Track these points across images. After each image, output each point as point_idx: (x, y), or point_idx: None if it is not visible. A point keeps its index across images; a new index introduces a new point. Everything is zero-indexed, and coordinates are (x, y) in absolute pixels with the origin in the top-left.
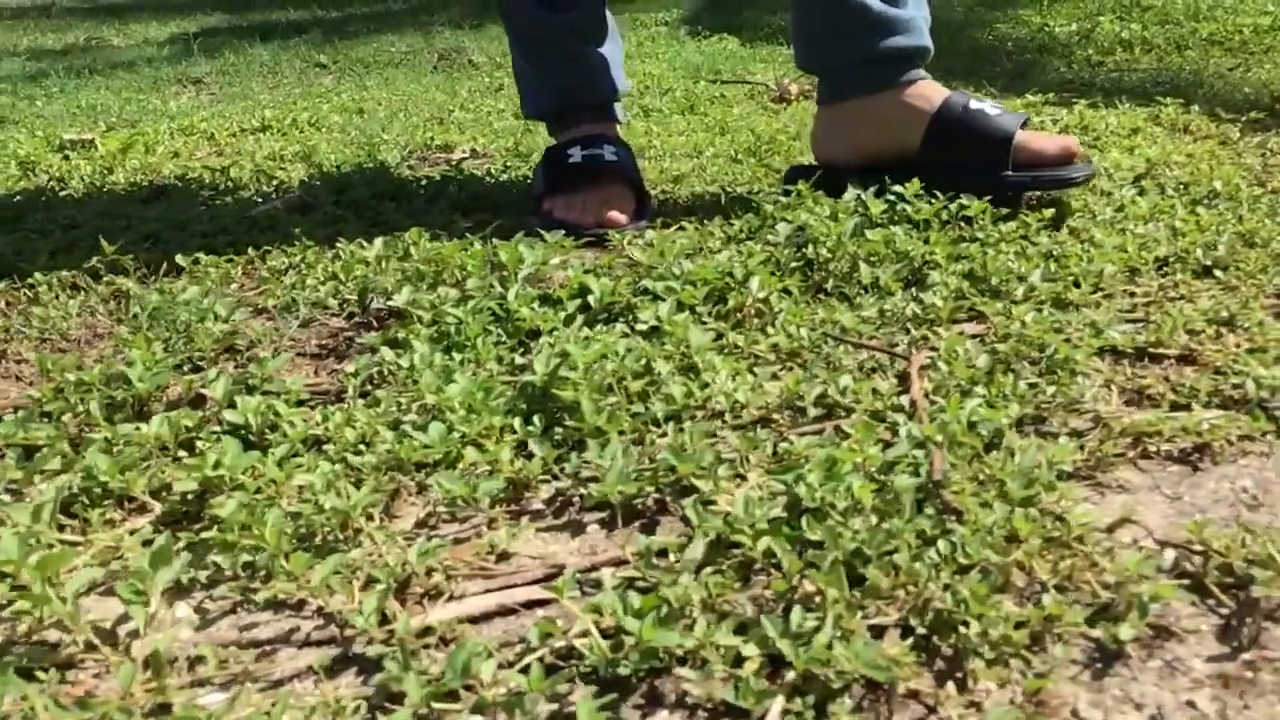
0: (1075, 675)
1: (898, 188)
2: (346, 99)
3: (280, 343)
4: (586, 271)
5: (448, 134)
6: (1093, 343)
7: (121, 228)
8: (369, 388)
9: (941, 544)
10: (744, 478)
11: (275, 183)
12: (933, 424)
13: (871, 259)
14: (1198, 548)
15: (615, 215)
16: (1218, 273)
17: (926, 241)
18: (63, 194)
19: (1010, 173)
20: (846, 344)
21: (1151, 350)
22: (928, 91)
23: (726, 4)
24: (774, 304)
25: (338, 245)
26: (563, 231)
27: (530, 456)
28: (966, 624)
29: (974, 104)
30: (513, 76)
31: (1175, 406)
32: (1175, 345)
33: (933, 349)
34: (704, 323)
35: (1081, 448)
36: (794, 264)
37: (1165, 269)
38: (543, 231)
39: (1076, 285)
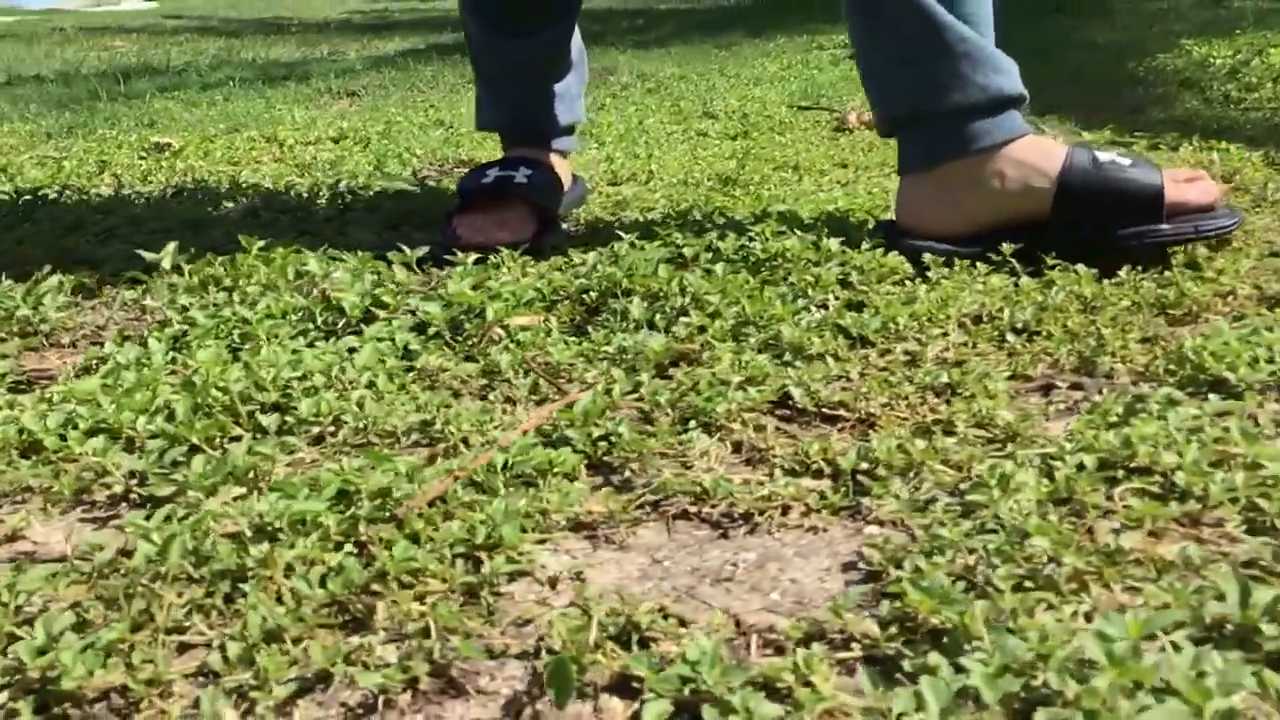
0: None
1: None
2: (445, 112)
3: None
4: (378, 286)
5: (482, 147)
6: (756, 398)
7: (90, 222)
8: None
9: None
10: None
11: (260, 189)
12: None
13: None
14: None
15: (499, 234)
16: (1010, 337)
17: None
18: (94, 191)
19: (1166, 228)
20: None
21: (830, 412)
22: (1044, 146)
23: None
24: (512, 331)
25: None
26: (425, 248)
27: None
28: None
29: (1102, 156)
30: None
31: (787, 472)
32: (860, 411)
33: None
34: (428, 345)
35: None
36: (564, 297)
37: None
38: (399, 249)
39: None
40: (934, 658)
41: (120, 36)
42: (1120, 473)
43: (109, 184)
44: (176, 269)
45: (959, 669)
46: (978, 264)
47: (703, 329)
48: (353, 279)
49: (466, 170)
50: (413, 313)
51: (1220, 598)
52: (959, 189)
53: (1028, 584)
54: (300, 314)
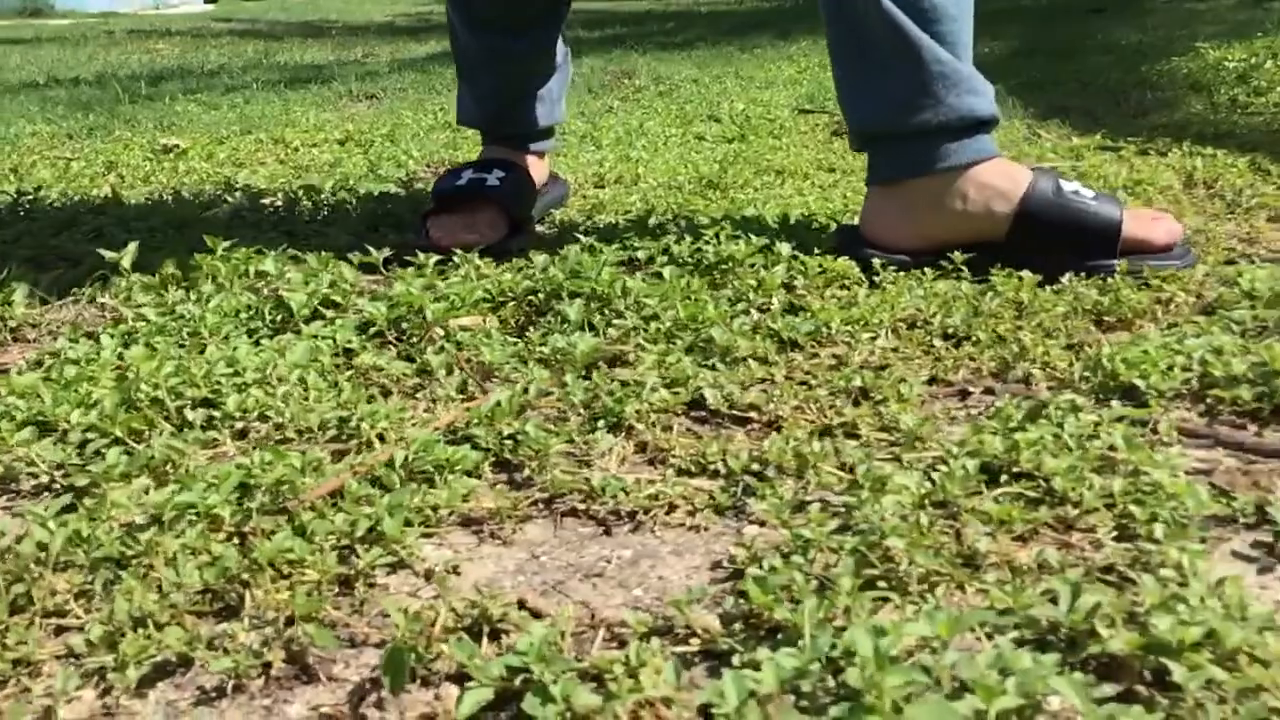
0: None
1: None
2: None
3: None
4: (331, 286)
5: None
6: (670, 399)
7: (83, 221)
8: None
9: None
10: None
11: (252, 190)
12: None
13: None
14: None
15: (467, 237)
16: (938, 342)
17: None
18: (95, 192)
19: (1116, 262)
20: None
21: (741, 414)
22: (1009, 171)
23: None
24: (452, 332)
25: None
26: (389, 250)
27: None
28: None
29: (1066, 186)
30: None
31: (681, 472)
32: (770, 413)
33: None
34: (366, 345)
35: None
36: (511, 299)
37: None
38: (365, 250)
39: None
40: (762, 652)
41: (164, 39)
42: (1004, 477)
43: (113, 186)
44: (139, 268)
45: (781, 664)
46: (926, 270)
47: (636, 331)
48: (305, 279)
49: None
50: (361, 312)
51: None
52: (920, 206)
53: (880, 584)
54: (251, 313)
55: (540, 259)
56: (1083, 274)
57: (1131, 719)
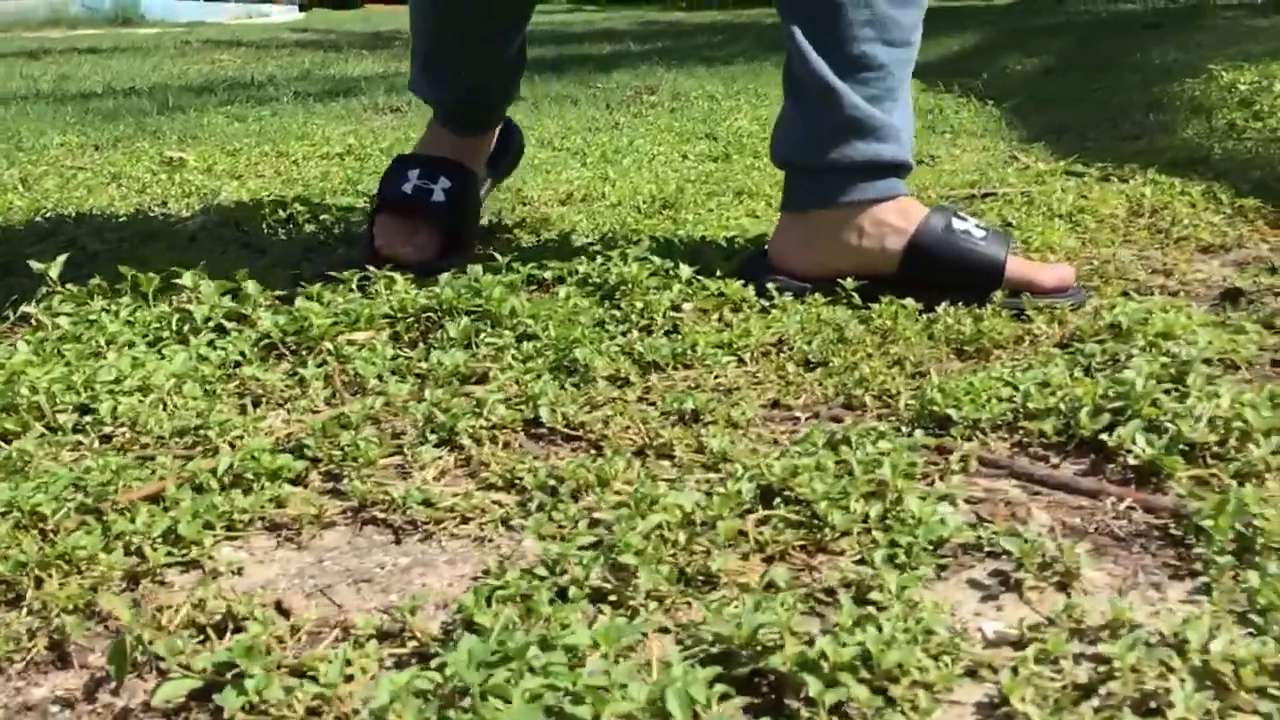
0: None
1: None
2: None
3: None
4: (241, 298)
5: None
6: (507, 416)
7: (61, 231)
8: None
9: None
10: None
11: (226, 203)
12: None
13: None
14: None
15: (402, 250)
16: (790, 367)
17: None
18: (89, 203)
19: (1004, 296)
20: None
21: (571, 432)
22: (907, 208)
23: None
24: (339, 347)
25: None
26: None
27: None
28: None
29: (957, 224)
30: None
31: (488, 486)
32: (598, 433)
33: None
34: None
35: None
36: (413, 315)
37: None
38: (297, 264)
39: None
40: (453, 657)
41: (230, 51)
42: (776, 500)
43: (109, 196)
44: (85, 278)
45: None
46: (818, 296)
47: (508, 349)
48: (217, 292)
49: (392, 161)
50: (256, 326)
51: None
52: (822, 236)
53: (611, 597)
54: (160, 324)
55: (445, 276)
56: (960, 304)
57: None
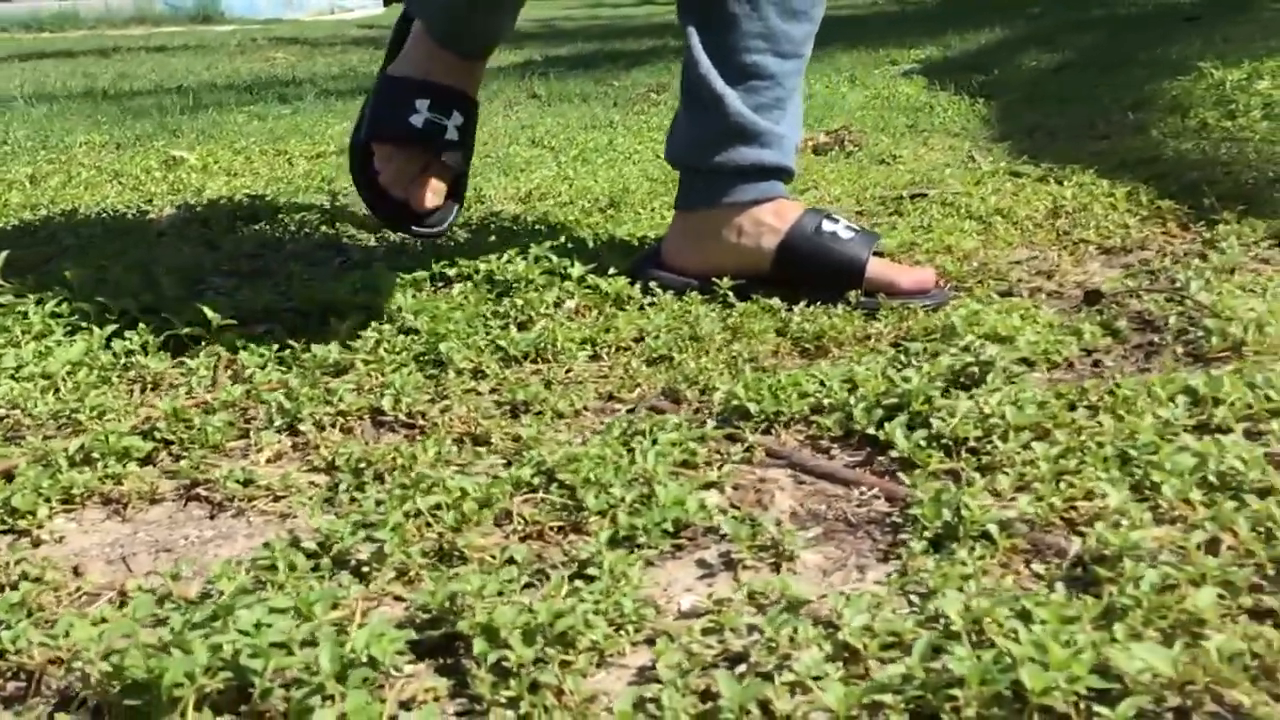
0: None
1: None
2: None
3: None
4: (159, 294)
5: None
6: (353, 405)
7: (39, 228)
8: None
9: None
10: None
11: (203, 201)
12: None
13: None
14: None
15: (417, 197)
16: (635, 363)
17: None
18: (84, 200)
19: (860, 297)
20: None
21: (408, 421)
22: (783, 209)
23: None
24: (236, 339)
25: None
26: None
27: None
28: None
29: (827, 225)
30: None
31: (313, 469)
32: (430, 421)
33: None
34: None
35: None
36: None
37: (625, 352)
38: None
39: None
40: (176, 615)
41: (286, 49)
42: (554, 484)
43: (103, 194)
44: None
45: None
46: (696, 294)
47: (382, 343)
48: (141, 288)
49: (385, 81)
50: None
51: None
52: (706, 235)
53: (364, 569)
54: (77, 315)
55: (353, 273)
56: (819, 303)
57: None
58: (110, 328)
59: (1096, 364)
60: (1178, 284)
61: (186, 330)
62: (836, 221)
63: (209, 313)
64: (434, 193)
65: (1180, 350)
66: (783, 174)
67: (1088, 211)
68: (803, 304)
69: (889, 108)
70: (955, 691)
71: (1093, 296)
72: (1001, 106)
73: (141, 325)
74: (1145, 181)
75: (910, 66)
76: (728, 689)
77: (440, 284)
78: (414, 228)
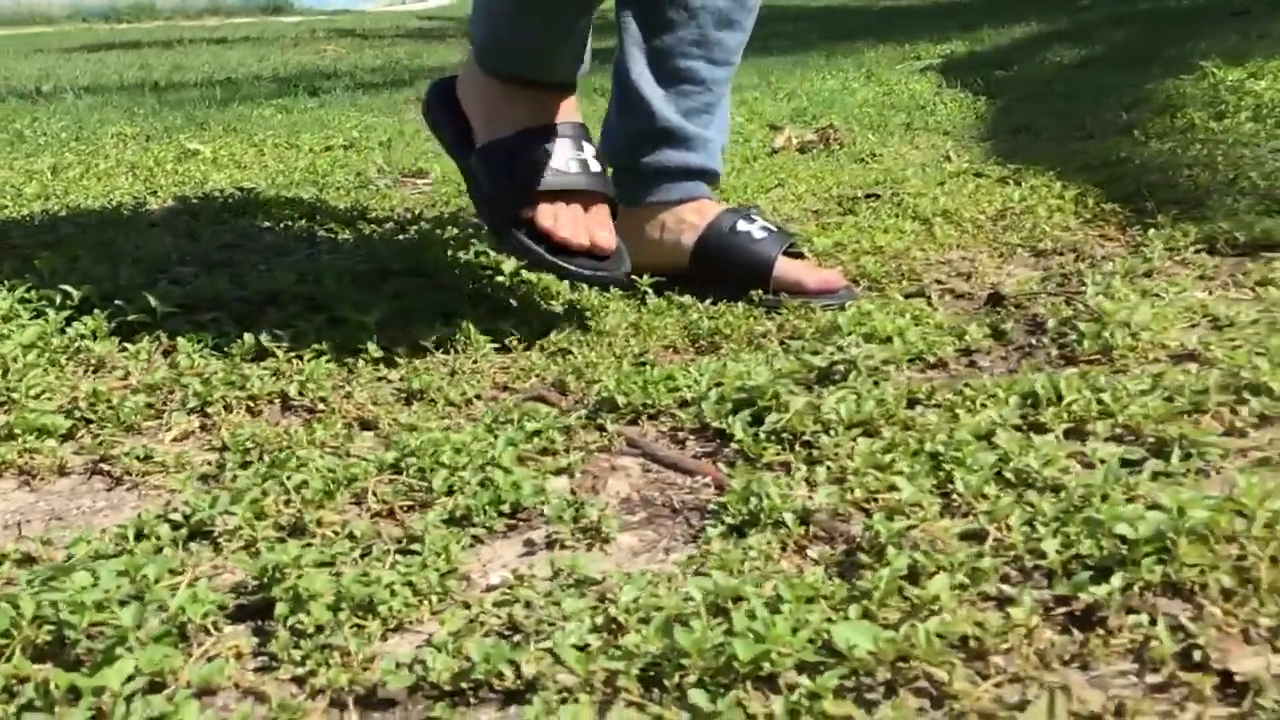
0: None
1: None
2: None
3: None
4: (118, 282)
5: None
6: (264, 388)
7: (37, 216)
8: None
9: None
10: None
11: (196, 194)
12: None
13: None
14: None
15: (605, 238)
16: (535, 355)
17: None
18: (95, 188)
19: (763, 295)
20: None
21: (296, 403)
22: (704, 209)
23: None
24: (181, 328)
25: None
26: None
27: None
28: None
29: (742, 225)
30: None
31: (211, 450)
32: (314, 405)
33: None
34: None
35: None
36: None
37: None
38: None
39: None
40: (23, 573)
41: (336, 42)
42: (415, 467)
43: (113, 185)
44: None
45: None
46: (615, 290)
47: (299, 330)
48: (105, 276)
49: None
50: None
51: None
52: (631, 231)
53: (218, 539)
54: (44, 301)
55: (303, 266)
56: (726, 300)
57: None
58: (66, 313)
59: (972, 364)
60: (1082, 287)
61: (134, 316)
62: (753, 221)
63: (153, 301)
64: (608, 229)
65: (1055, 352)
66: (707, 176)
67: (1032, 214)
68: (708, 301)
69: (891, 105)
70: (685, 661)
71: (995, 298)
72: (1002, 105)
73: (97, 311)
74: (1101, 184)
75: (931, 62)
76: (478, 652)
77: (382, 278)
78: (607, 274)
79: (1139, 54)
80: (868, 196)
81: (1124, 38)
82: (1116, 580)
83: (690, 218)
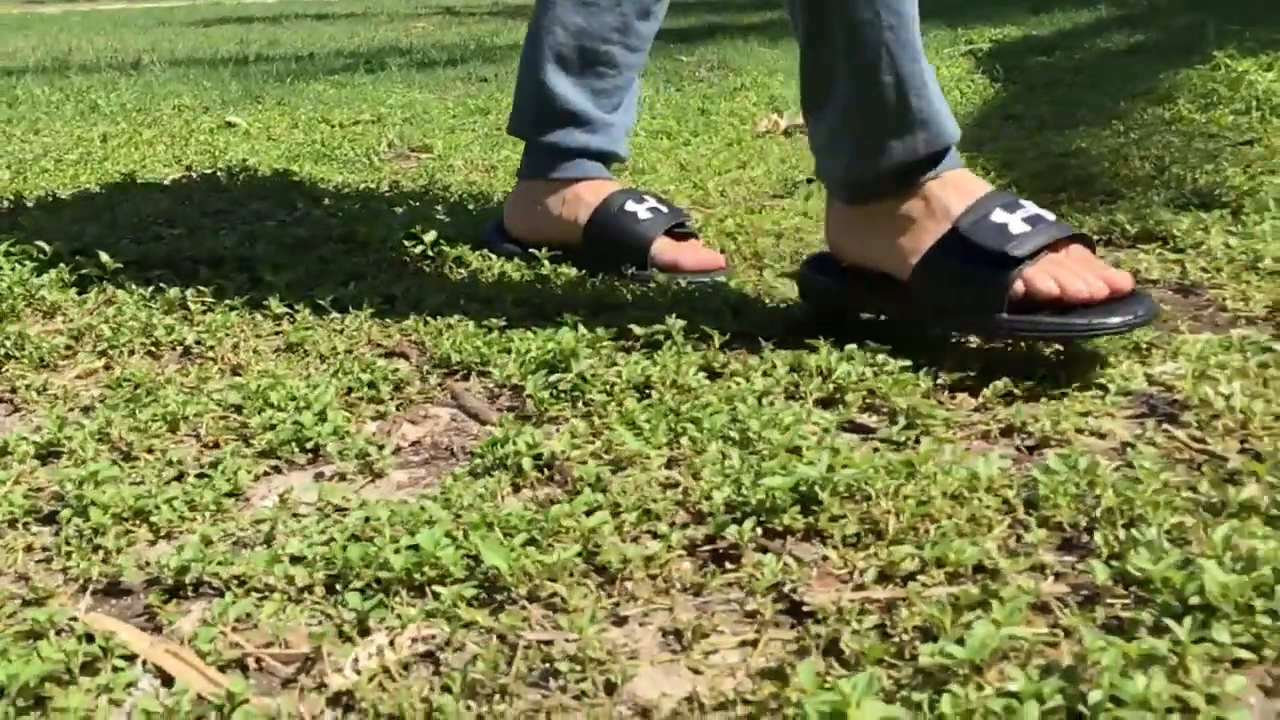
0: None
1: None
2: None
3: None
4: (85, 256)
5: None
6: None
7: (68, 185)
8: None
9: None
10: None
11: (213, 165)
12: None
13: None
14: None
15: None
16: (432, 319)
17: None
18: (127, 158)
19: (644, 273)
20: None
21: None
22: (600, 188)
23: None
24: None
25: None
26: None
27: None
28: None
29: (630, 205)
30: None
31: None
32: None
33: None
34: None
35: None
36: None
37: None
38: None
39: None
40: None
41: (428, 19)
42: (247, 404)
43: (147, 155)
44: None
45: None
46: (518, 260)
47: (226, 290)
48: (78, 235)
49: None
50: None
51: None
52: (533, 205)
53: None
54: (24, 255)
55: (248, 229)
56: (605, 277)
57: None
58: (36, 265)
59: (801, 341)
60: None
61: (88, 270)
62: (642, 202)
63: (104, 257)
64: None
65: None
66: (608, 158)
67: None
68: (584, 273)
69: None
70: (353, 571)
71: None
72: (1011, 92)
73: (63, 264)
74: (1039, 175)
75: (980, 46)
76: (194, 554)
77: (312, 244)
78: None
79: (1187, 42)
80: (809, 181)
81: (1183, 24)
82: (749, 525)
83: (587, 196)
